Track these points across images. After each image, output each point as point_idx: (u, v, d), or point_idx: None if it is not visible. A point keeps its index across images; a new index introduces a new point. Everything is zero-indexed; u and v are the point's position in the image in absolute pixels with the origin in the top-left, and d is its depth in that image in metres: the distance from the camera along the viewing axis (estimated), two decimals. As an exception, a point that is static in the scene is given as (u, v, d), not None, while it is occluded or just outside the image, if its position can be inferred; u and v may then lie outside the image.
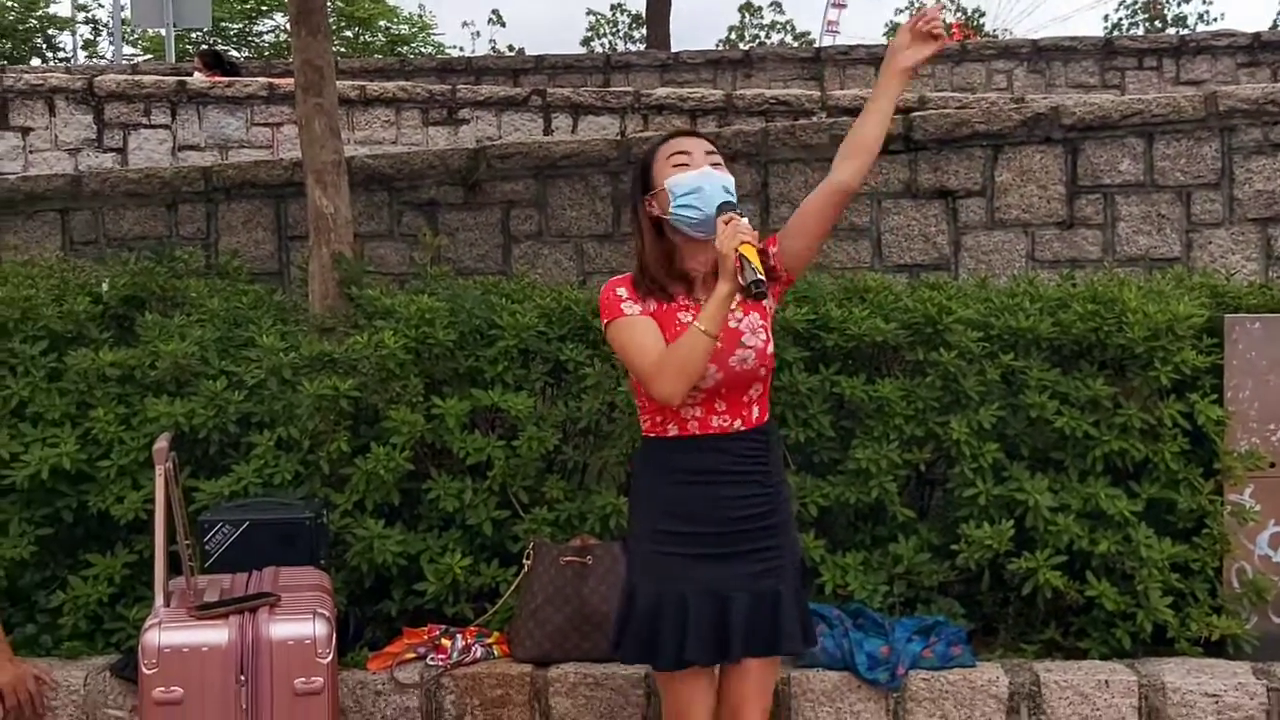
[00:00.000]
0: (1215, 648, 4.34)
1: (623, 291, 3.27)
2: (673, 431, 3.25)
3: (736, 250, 3.02)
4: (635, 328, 3.21)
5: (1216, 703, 4.05)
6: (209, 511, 4.26)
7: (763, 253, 3.11)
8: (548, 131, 9.89)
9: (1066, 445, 4.46)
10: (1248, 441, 4.44)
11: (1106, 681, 4.11)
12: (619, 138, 6.85)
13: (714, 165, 3.25)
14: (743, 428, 3.25)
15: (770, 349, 3.29)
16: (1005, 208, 6.12)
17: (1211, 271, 5.54)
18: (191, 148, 10.12)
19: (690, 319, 3.16)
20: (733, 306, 3.14)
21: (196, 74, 11.56)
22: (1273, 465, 4.42)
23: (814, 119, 8.32)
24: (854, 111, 8.29)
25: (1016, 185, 6.12)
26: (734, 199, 3.20)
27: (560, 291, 4.89)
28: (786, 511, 3.38)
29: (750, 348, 3.23)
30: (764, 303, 3.27)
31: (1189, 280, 5.02)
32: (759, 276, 2.98)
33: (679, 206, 3.20)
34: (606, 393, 4.53)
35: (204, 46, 18.40)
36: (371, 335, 4.59)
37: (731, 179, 3.25)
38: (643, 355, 3.17)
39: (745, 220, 3.09)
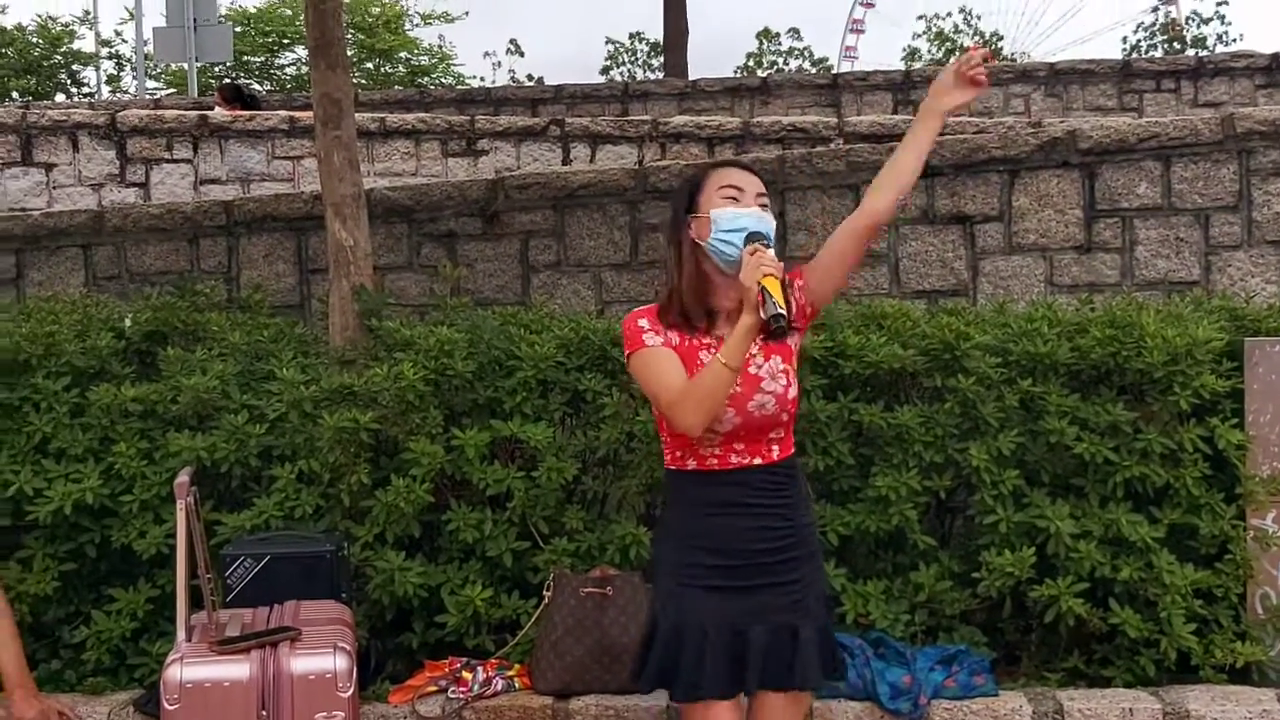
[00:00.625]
0: (1240, 675, 4.31)
1: (644, 323, 3.27)
2: (691, 466, 3.26)
3: (759, 283, 3.02)
4: (658, 359, 3.21)
5: (1242, 730, 4.02)
6: (230, 545, 4.28)
7: (786, 286, 3.09)
8: (566, 161, 9.93)
9: (1087, 471, 4.44)
10: (1269, 466, 4.42)
11: (1130, 710, 4.08)
12: (637, 167, 6.88)
13: (763, 207, 3.25)
14: (762, 463, 3.25)
15: (793, 393, 3.26)
16: (1023, 232, 6.11)
17: (1230, 294, 5.53)
18: (213, 181, 10.19)
19: (711, 357, 3.16)
20: (754, 350, 3.16)
21: (217, 109, 11.65)
22: (1295, 489, 4.39)
23: (831, 146, 8.33)
24: (871, 138, 8.33)
25: (1034, 210, 6.11)
26: (772, 245, 3.17)
27: (579, 321, 4.90)
28: (810, 545, 3.36)
29: (769, 393, 3.21)
30: (789, 341, 3.25)
31: (1208, 304, 5.00)
32: (780, 312, 2.96)
33: (718, 238, 3.18)
34: (625, 422, 4.53)
35: (225, 81, 18.54)
36: (391, 367, 4.61)
37: (774, 224, 3.25)
38: (664, 387, 3.17)
39: (771, 252, 3.10)
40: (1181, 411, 4.39)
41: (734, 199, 3.23)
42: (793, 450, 3.35)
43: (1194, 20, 29.12)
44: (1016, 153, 6.15)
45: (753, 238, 3.13)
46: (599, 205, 6.42)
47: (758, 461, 3.24)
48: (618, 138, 9.91)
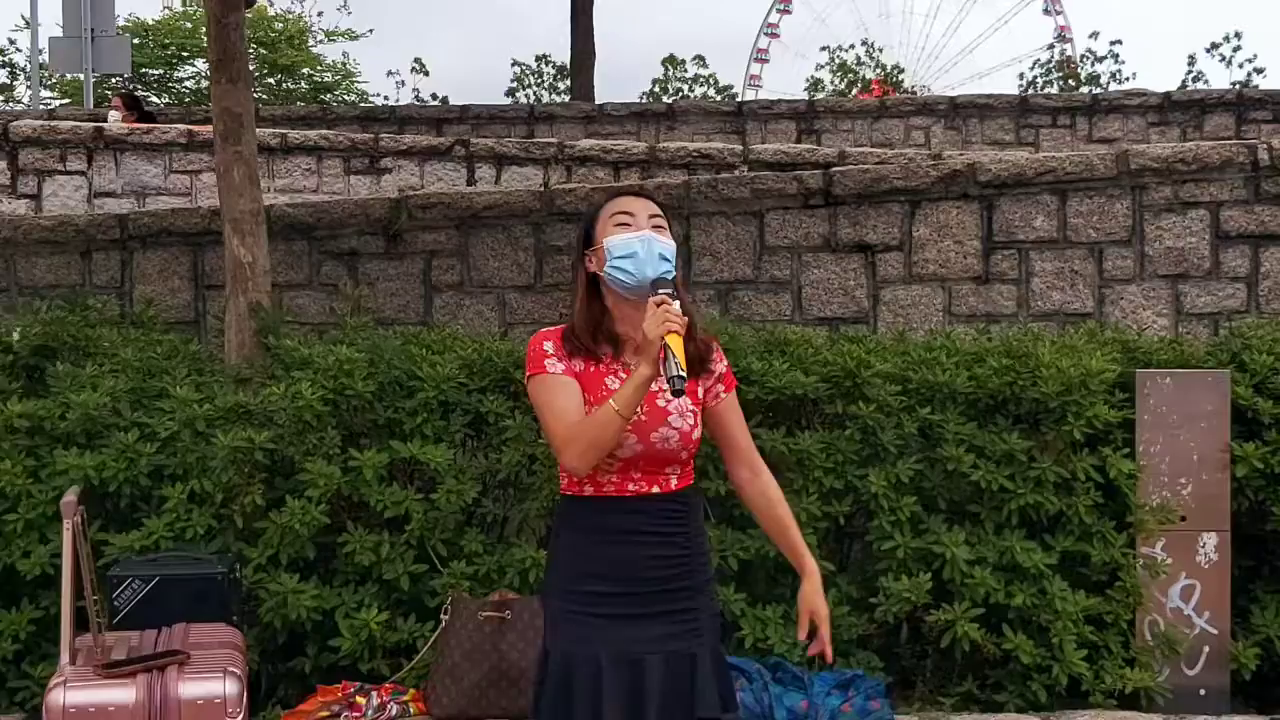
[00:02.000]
0: (1129, 700, 4.38)
1: (549, 346, 3.24)
2: (588, 491, 3.23)
3: (662, 339, 3.01)
4: (555, 388, 3.17)
5: (1130, 755, 4.09)
6: (118, 566, 4.18)
7: (689, 336, 3.09)
8: (471, 182, 9.88)
9: (982, 498, 4.50)
10: (1159, 495, 4.51)
11: (1023, 734, 4.14)
12: (542, 189, 6.86)
13: (656, 228, 3.24)
14: (660, 492, 3.23)
15: (697, 433, 3.26)
16: (923, 262, 6.20)
17: (1123, 327, 5.65)
18: (108, 195, 9.98)
19: (617, 385, 3.15)
20: (663, 386, 3.17)
21: (113, 113, 11.41)
22: (1183, 519, 4.49)
23: (736, 173, 8.39)
24: (775, 165, 8.40)
25: (934, 240, 6.20)
26: (672, 265, 3.17)
27: (482, 343, 4.87)
28: (705, 574, 3.34)
29: (675, 429, 3.20)
30: (698, 387, 3.24)
31: (1101, 335, 5.10)
32: (680, 374, 2.96)
33: (613, 266, 3.18)
34: (527, 445, 4.50)
35: (123, 89, 18.12)
36: (288, 386, 4.54)
37: (672, 245, 3.23)
38: (556, 420, 3.14)
39: (678, 305, 3.10)
40: (1075, 441, 4.47)
41: (625, 224, 3.22)
42: (691, 481, 3.35)
43: (1089, 58, 29.85)
44: (917, 184, 6.24)
45: (659, 284, 3.14)
46: (504, 226, 6.39)
47: (655, 490, 3.23)
48: (523, 159, 9.89)
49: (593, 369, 3.22)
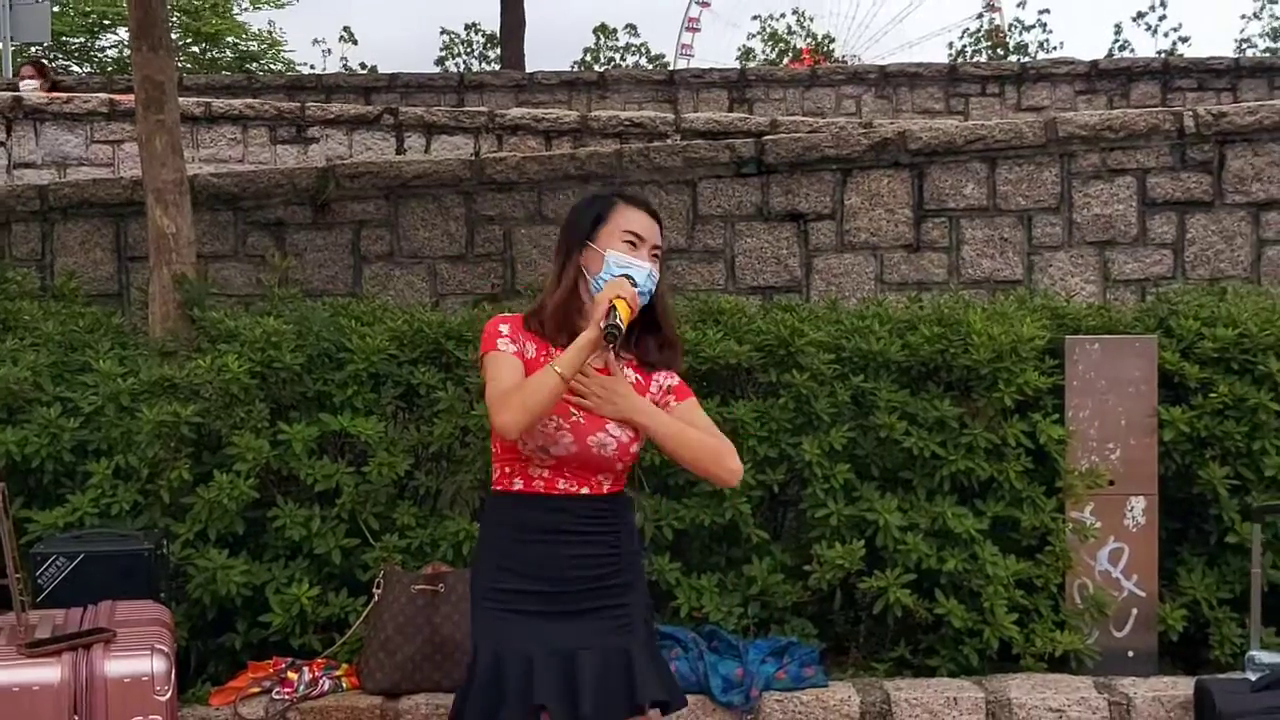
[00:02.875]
0: (1059, 663, 4.43)
1: (505, 328, 3.22)
2: (518, 486, 3.21)
3: (610, 301, 3.02)
4: (500, 362, 3.15)
5: (1060, 717, 4.13)
6: (42, 543, 4.09)
7: (659, 326, 3.18)
8: (400, 151, 9.77)
9: (915, 465, 4.52)
10: (1088, 460, 4.56)
11: (955, 699, 4.17)
12: (473, 158, 6.79)
13: (654, 258, 3.23)
14: (590, 493, 3.21)
15: (634, 448, 3.23)
16: (855, 231, 6.21)
17: (1052, 294, 5.69)
18: (28, 165, 9.77)
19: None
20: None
21: (26, 82, 11.16)
22: (1112, 483, 4.54)
23: (668, 141, 8.36)
24: (707, 134, 8.39)
25: (865, 209, 6.22)
26: (649, 296, 3.16)
27: (412, 314, 4.81)
28: (635, 572, 3.32)
29: (614, 437, 3.17)
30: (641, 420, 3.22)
31: (1031, 302, 5.13)
32: (617, 323, 2.98)
33: (605, 278, 3.17)
34: (459, 417, 4.46)
35: (35, 58, 17.58)
36: (215, 359, 4.46)
37: (658, 278, 3.21)
38: (495, 384, 3.12)
39: (637, 292, 3.10)
40: (1005, 407, 4.50)
41: (633, 244, 3.20)
42: (623, 488, 3.33)
43: (1017, 27, 30.04)
44: (849, 152, 6.24)
45: (628, 278, 3.14)
46: (434, 196, 6.33)
47: (585, 491, 3.21)
48: (453, 128, 9.80)
49: (544, 356, 3.20)
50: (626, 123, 9.51)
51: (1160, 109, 6.60)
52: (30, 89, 10.53)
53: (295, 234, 6.29)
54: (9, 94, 10.19)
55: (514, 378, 3.12)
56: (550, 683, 3.12)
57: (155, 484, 4.37)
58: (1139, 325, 4.86)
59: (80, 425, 4.43)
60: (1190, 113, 6.26)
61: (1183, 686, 4.19)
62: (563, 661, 3.14)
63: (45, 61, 13.80)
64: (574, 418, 3.13)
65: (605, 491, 3.22)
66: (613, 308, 3.00)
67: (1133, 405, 4.57)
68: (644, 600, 3.34)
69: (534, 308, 3.26)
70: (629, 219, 3.24)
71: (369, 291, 6.12)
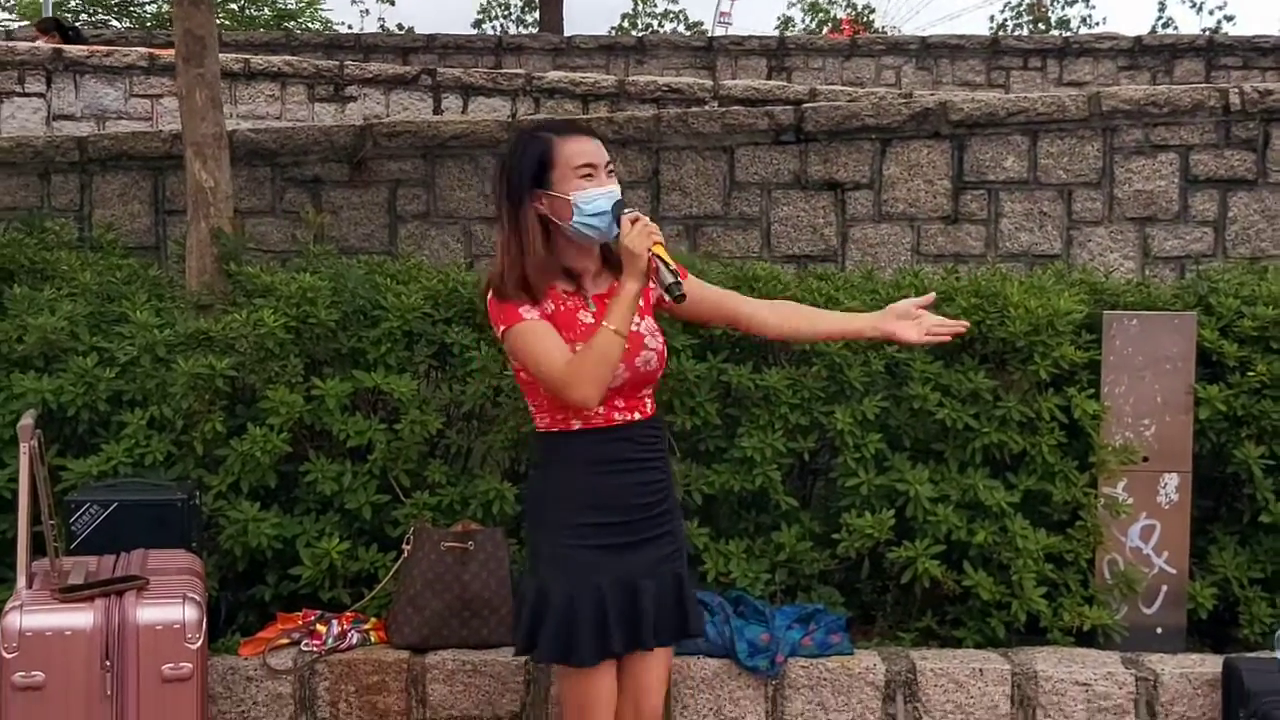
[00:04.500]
0: (1086, 637, 4.42)
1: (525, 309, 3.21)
2: (576, 425, 3.23)
3: (651, 251, 3.06)
4: (539, 334, 3.14)
5: (1087, 691, 4.13)
6: (76, 491, 4.13)
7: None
8: (437, 112, 9.76)
9: (947, 437, 4.50)
10: (1122, 436, 4.53)
11: (981, 670, 4.16)
12: (510, 119, 6.78)
13: (610, 174, 3.22)
14: (641, 418, 3.28)
15: (665, 351, 3.36)
16: (892, 201, 6.17)
17: (1090, 269, 5.64)
18: (67, 118, 9.81)
19: (590, 319, 3.16)
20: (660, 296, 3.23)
21: (38, 42, 11.19)
22: (1145, 459, 4.51)
23: (706, 107, 8.32)
24: (745, 101, 8.34)
25: (904, 179, 6.18)
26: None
27: (447, 273, 4.81)
28: (675, 498, 3.45)
29: (652, 350, 3.27)
30: (650, 303, 3.34)
31: (1069, 276, 5.09)
32: (677, 279, 3.08)
33: (583, 222, 3.15)
34: (492, 377, 4.46)
35: (44, 16, 17.42)
36: (250, 313, 4.47)
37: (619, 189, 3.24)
38: (551, 362, 3.11)
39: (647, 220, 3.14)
40: (1040, 381, 4.47)
41: (590, 176, 3.17)
42: (657, 408, 3.39)
43: (1059, 2, 29.72)
44: (889, 122, 6.20)
45: (620, 205, 3.16)
46: (471, 157, 6.32)
47: (637, 416, 3.27)
48: (490, 90, 9.77)
49: (561, 308, 3.21)
50: (664, 88, 9.46)
51: (1205, 85, 6.54)
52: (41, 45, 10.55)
53: (331, 191, 6.30)
54: (49, 46, 10.23)
55: (563, 346, 3.13)
56: (620, 620, 3.21)
57: (189, 435, 4.40)
58: (1178, 302, 4.81)
59: (116, 375, 4.46)
60: (1236, 90, 6.19)
61: (1211, 664, 4.17)
62: (627, 592, 3.21)
63: (60, 20, 13.79)
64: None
65: (651, 413, 3.29)
66: (659, 261, 3.06)
67: (1169, 382, 4.53)
68: (681, 525, 3.46)
69: (497, 275, 3.20)
70: (574, 151, 3.18)
71: (404, 250, 6.13)
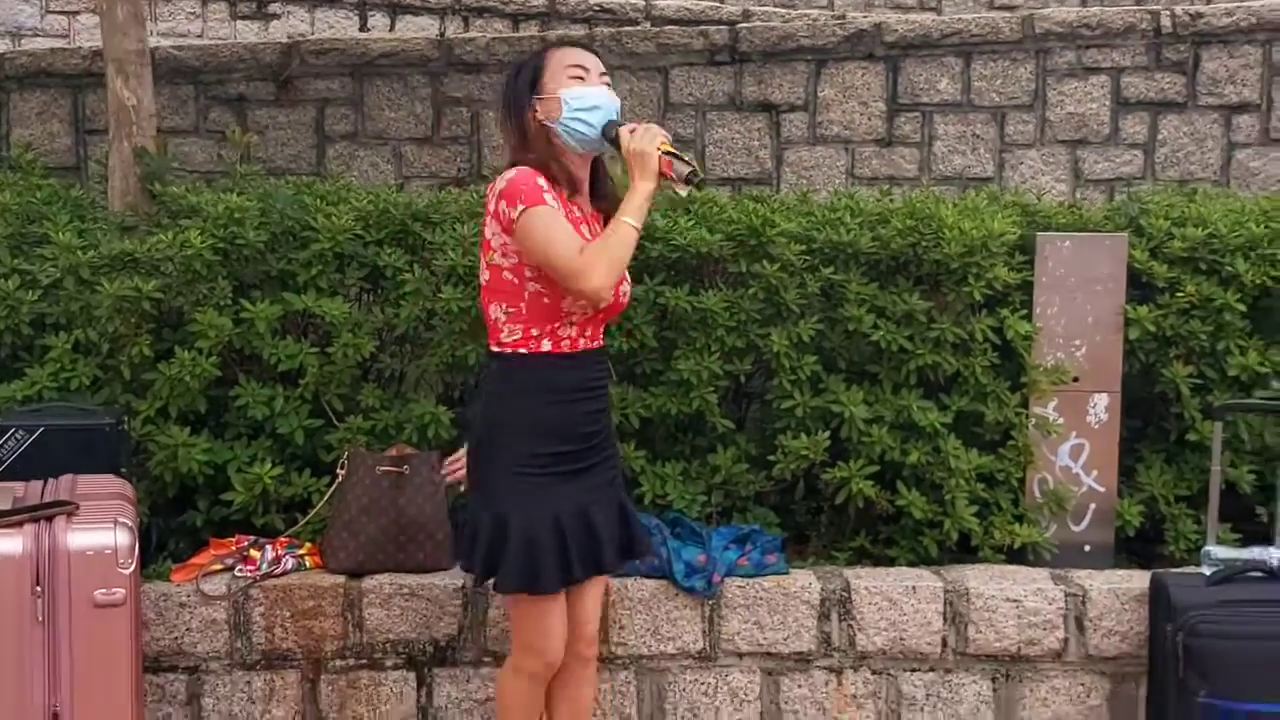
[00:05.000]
0: (1017, 555, 4.49)
1: (542, 182, 3.20)
2: (547, 348, 3.22)
3: (660, 149, 3.14)
4: (559, 222, 3.15)
5: (1018, 607, 4.19)
6: (0, 416, 4.04)
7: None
8: (363, 30, 9.56)
9: (882, 358, 4.52)
10: (1053, 356, 4.57)
11: (914, 587, 4.22)
12: (439, 38, 6.65)
13: (606, 85, 3.28)
14: (598, 346, 3.31)
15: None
16: (827, 123, 6.15)
17: (1023, 191, 5.67)
18: (-21, 35, 9.50)
19: (588, 233, 3.20)
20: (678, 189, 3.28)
21: None
22: (1076, 379, 4.56)
23: (639, 27, 8.21)
24: (678, 21, 8.23)
25: (839, 101, 6.15)
26: (620, 124, 3.24)
27: (378, 194, 4.73)
28: (611, 425, 3.49)
29: (628, 281, 3.36)
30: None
31: (1002, 199, 5.11)
32: (694, 167, 3.16)
33: (572, 118, 3.20)
34: (426, 299, 4.41)
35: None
36: (176, 234, 4.37)
37: (619, 103, 3.30)
38: (568, 249, 3.12)
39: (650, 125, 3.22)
40: (974, 302, 4.49)
41: (580, 78, 3.22)
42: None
43: (989, -73, 29.77)
44: (824, 43, 6.16)
45: (611, 127, 3.20)
46: (400, 76, 6.21)
47: (596, 345, 3.31)
48: (418, 8, 9.56)
49: (569, 214, 3.25)
50: (596, 7, 9.30)
51: (1137, 8, 6.54)
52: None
53: (257, 111, 6.17)
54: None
55: (576, 237, 3.15)
56: (579, 547, 3.25)
57: (115, 359, 4.31)
58: (1109, 224, 4.85)
59: (38, 298, 4.36)
60: (1167, 12, 6.21)
61: (1138, 580, 4.26)
62: (581, 518, 3.25)
63: None
64: None
65: (603, 342, 3.34)
66: (673, 156, 3.15)
67: (1100, 303, 4.57)
68: (619, 452, 3.52)
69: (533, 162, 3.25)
70: (566, 56, 3.27)
71: (333, 171, 6.02)
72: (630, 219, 3.13)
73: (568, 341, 3.23)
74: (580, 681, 3.51)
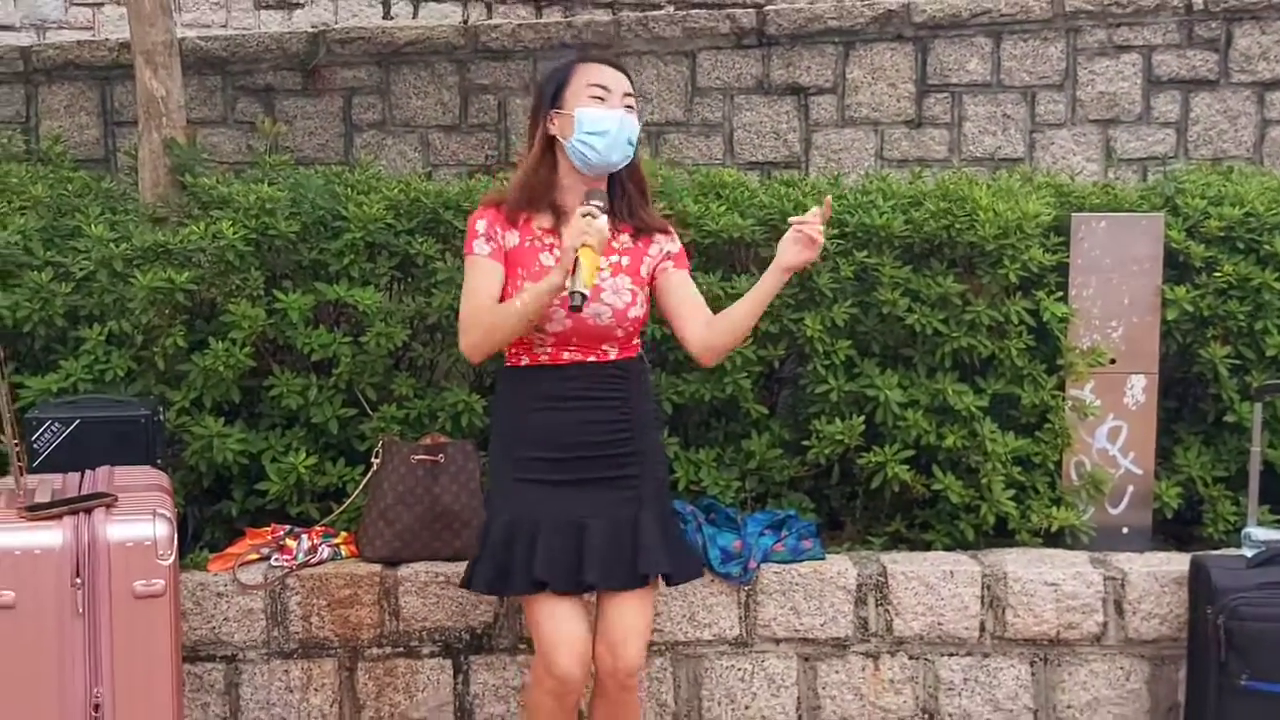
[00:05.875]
0: (1054, 539, 4.46)
1: (481, 225, 3.28)
2: (524, 362, 3.25)
3: (575, 252, 3.01)
4: (475, 270, 3.25)
5: (1055, 591, 4.17)
6: (36, 409, 4.05)
7: (638, 207, 3.34)
8: (387, 17, 9.53)
9: (916, 342, 4.49)
10: (1090, 338, 4.54)
11: (951, 572, 4.19)
12: (463, 24, 6.64)
13: (628, 108, 3.24)
14: (597, 360, 3.25)
15: (634, 312, 3.31)
16: (856, 105, 6.12)
17: (1055, 171, 5.62)
18: (6, 28, 9.51)
19: (553, 262, 3.16)
20: (605, 264, 3.20)
21: None
22: (1113, 361, 4.53)
23: (664, 11, 8.18)
24: (703, 5, 8.19)
25: (867, 83, 6.12)
26: (635, 149, 3.24)
27: (408, 182, 4.72)
28: (648, 441, 3.38)
29: (607, 305, 3.23)
30: (641, 267, 3.33)
31: (1035, 179, 5.07)
32: (581, 291, 2.98)
33: (581, 140, 3.19)
34: (458, 287, 4.38)
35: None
36: (208, 225, 4.38)
37: (638, 128, 3.26)
38: (466, 301, 3.23)
39: (603, 221, 3.07)
40: (1009, 284, 4.46)
41: (600, 99, 3.21)
42: (635, 353, 3.36)
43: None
44: (852, 24, 6.12)
45: (591, 195, 3.13)
46: (426, 64, 6.20)
47: (592, 359, 3.26)
48: (442, -5, 9.57)
49: (528, 244, 3.21)
50: (620, -8, 9.29)
51: (1168, -15, 6.47)
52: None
53: (285, 100, 6.17)
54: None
55: (488, 289, 3.20)
56: (554, 554, 3.18)
57: (149, 351, 4.32)
58: (1144, 204, 4.80)
59: (72, 290, 4.36)
60: (1198, -12, 6.16)
61: (1177, 562, 4.22)
62: (573, 530, 3.19)
63: None
64: (565, 293, 3.13)
65: (612, 359, 3.25)
66: (577, 265, 2.99)
67: (1137, 284, 4.54)
68: (657, 471, 3.39)
69: (515, 180, 3.32)
70: (590, 74, 3.25)
71: (361, 160, 6.01)
72: (519, 302, 3.12)
73: (546, 356, 3.25)
74: (619, 708, 3.37)
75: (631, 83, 3.31)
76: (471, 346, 3.23)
